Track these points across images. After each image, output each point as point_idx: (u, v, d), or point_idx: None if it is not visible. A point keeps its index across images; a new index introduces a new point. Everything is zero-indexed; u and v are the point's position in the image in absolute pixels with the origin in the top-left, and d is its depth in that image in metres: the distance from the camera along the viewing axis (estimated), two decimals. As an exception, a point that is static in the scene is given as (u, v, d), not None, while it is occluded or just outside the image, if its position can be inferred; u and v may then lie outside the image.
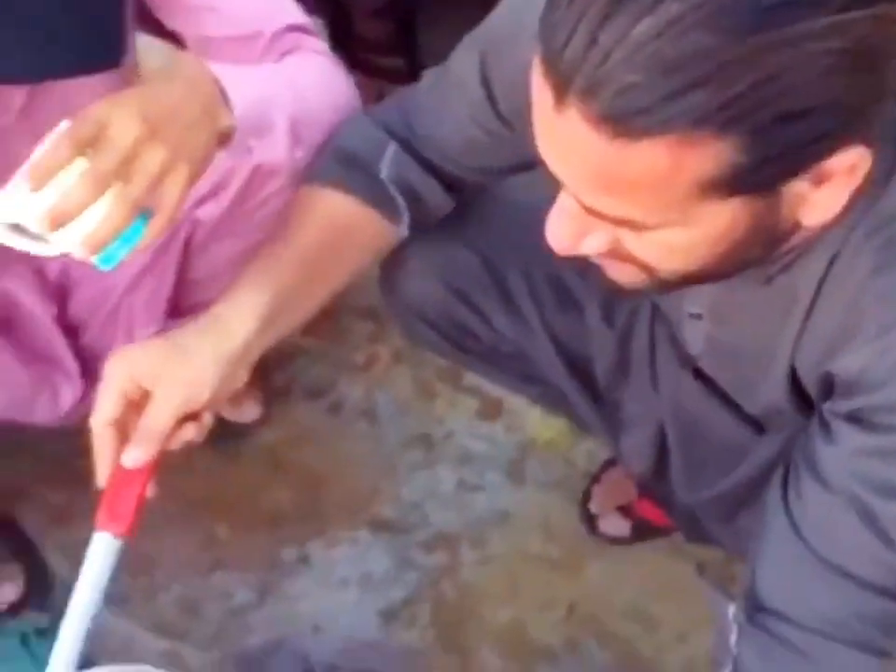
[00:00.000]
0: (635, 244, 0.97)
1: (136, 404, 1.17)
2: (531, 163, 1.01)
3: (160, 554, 1.77)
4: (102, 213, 1.05)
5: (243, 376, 1.24)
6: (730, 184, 0.87)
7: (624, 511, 1.85)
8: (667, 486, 1.52)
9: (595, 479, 1.89)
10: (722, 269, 1.00)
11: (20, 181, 1.07)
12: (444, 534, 1.84)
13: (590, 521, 1.86)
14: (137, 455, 1.17)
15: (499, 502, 1.88)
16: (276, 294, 1.24)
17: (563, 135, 0.89)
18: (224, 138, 1.20)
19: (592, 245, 1.00)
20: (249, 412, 1.90)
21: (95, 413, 1.18)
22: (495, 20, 1.25)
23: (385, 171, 1.32)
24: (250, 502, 1.84)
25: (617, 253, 1.00)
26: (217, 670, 1.69)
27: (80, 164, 1.06)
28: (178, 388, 1.17)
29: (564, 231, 0.99)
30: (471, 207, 1.45)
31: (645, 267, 1.01)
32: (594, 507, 1.86)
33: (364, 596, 1.77)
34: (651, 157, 0.85)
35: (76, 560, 1.71)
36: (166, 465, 1.82)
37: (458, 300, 1.50)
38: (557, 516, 1.87)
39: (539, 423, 1.93)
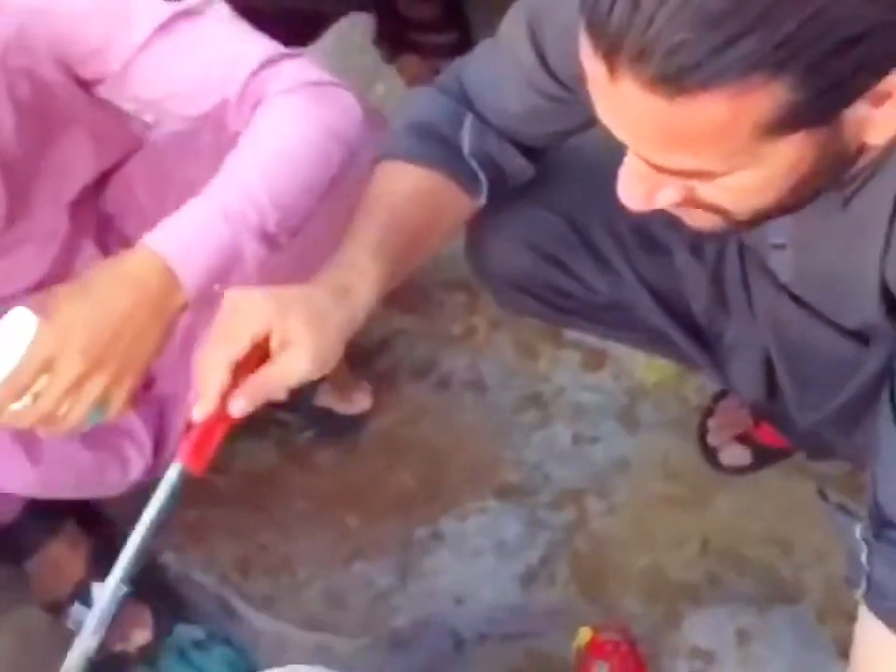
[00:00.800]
0: (707, 191, 0.99)
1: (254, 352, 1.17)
2: (595, 121, 1.03)
3: (298, 553, 1.82)
4: None
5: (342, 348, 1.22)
6: (791, 121, 0.89)
7: (742, 439, 1.86)
8: (782, 408, 1.53)
9: (709, 412, 1.90)
10: (796, 200, 1.02)
11: None
12: (569, 490, 1.87)
13: (710, 454, 1.87)
14: (245, 406, 1.15)
15: (617, 450, 1.90)
16: (388, 267, 1.24)
17: (621, 103, 0.90)
18: (179, 313, 1.30)
19: (665, 198, 1.01)
20: (360, 403, 1.93)
21: (218, 348, 1.16)
22: None
23: (466, 144, 1.33)
24: (376, 489, 1.88)
25: (691, 201, 1.02)
26: (369, 655, 1.73)
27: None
28: (309, 357, 1.15)
29: (636, 191, 1.01)
30: (545, 170, 1.46)
31: (720, 211, 1.03)
32: (711, 440, 1.88)
33: (501, 563, 1.80)
34: (712, 109, 0.87)
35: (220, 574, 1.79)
36: (292, 467, 1.90)
37: (548, 263, 1.52)
38: (677, 455, 1.88)
39: (644, 366, 1.95)
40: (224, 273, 1.31)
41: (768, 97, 0.86)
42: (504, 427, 1.93)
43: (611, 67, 0.88)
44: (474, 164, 1.34)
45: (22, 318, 1.26)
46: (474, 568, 1.80)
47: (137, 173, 1.56)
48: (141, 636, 1.75)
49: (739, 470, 1.85)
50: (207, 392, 1.16)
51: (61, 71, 1.38)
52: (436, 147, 1.33)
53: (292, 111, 1.36)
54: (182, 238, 1.29)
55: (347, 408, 1.92)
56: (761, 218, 1.05)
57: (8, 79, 1.35)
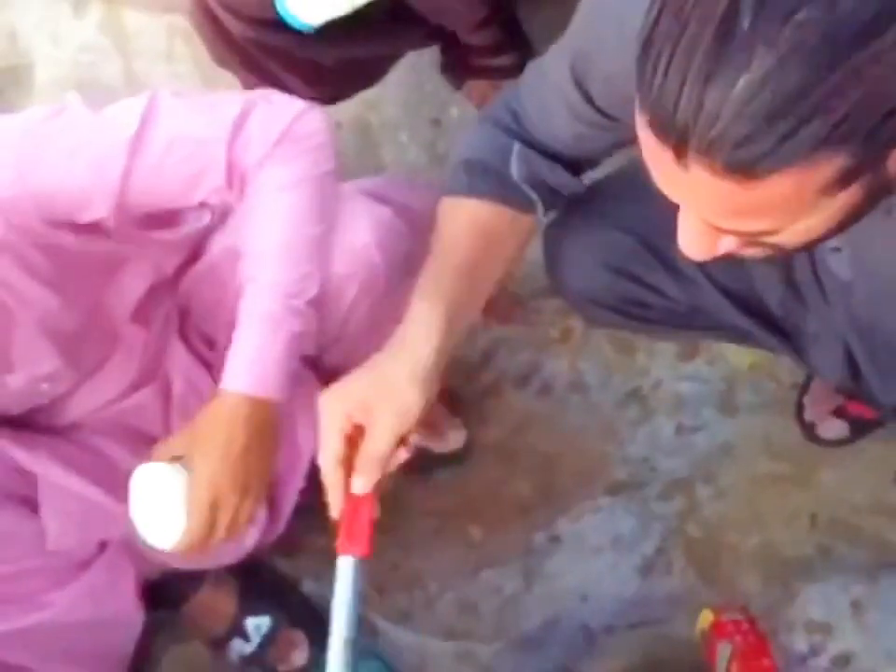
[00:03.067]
0: (765, 237, 1.07)
1: (353, 437, 1.31)
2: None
3: (428, 568, 1.93)
4: None
5: (436, 386, 1.35)
6: (849, 179, 0.96)
7: (838, 413, 1.92)
8: (867, 388, 1.59)
9: (804, 389, 1.96)
10: (843, 228, 1.09)
11: None
12: (676, 479, 1.95)
13: (809, 430, 1.94)
14: (364, 482, 1.31)
15: (720, 435, 1.98)
16: (448, 306, 1.36)
17: (688, 184, 0.97)
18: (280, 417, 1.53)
19: (726, 247, 1.09)
20: (455, 440, 2.03)
21: (322, 454, 1.32)
22: (575, 32, 1.34)
23: (515, 171, 1.41)
24: (494, 499, 1.98)
25: (749, 244, 1.09)
26: (506, 658, 1.84)
27: None
28: (389, 418, 1.30)
29: (698, 248, 1.08)
30: (612, 191, 1.55)
31: (776, 247, 1.10)
32: (809, 416, 1.94)
33: (619, 557, 1.90)
34: (779, 186, 0.94)
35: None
36: (412, 489, 2.00)
37: (625, 279, 1.60)
38: (777, 434, 1.95)
39: (737, 351, 2.01)
40: (296, 357, 1.53)
41: (830, 167, 0.93)
42: (608, 425, 2.02)
43: (679, 157, 0.95)
44: (525, 187, 1.42)
45: (164, 473, 1.51)
46: (594, 565, 1.90)
47: (201, 278, 1.72)
48: (299, 657, 1.90)
49: (839, 443, 1.92)
50: (331, 493, 1.33)
51: (61, 228, 1.49)
52: (488, 179, 1.42)
53: (277, 189, 1.50)
54: (249, 368, 1.50)
55: (443, 446, 2.02)
56: (812, 246, 1.12)
57: (24, 266, 1.47)
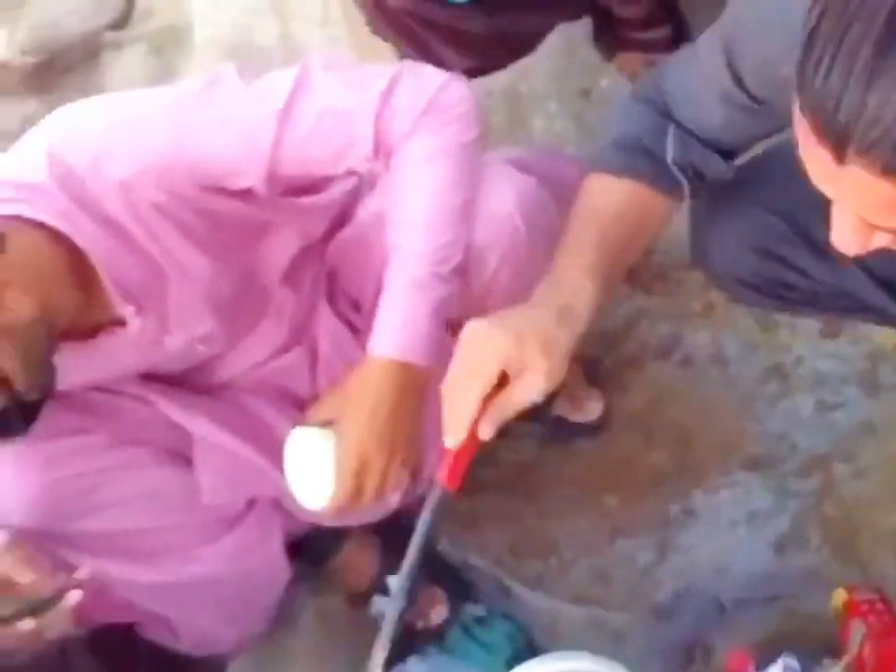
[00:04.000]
0: None
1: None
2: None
3: (563, 536, 1.97)
4: None
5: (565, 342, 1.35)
6: None
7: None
8: None
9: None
10: None
11: None
12: (815, 457, 1.95)
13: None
14: (492, 430, 1.32)
15: (861, 414, 1.97)
16: (605, 282, 1.37)
17: (847, 183, 0.99)
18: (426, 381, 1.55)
19: (879, 242, 1.09)
20: (592, 411, 2.05)
21: (468, 383, 1.30)
22: (734, 13, 1.35)
23: (670, 154, 1.42)
24: (630, 469, 2.01)
25: None
26: (638, 626, 1.86)
27: None
28: (541, 378, 1.29)
29: (851, 243, 1.08)
30: (757, 171, 1.55)
31: None
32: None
33: (753, 532, 1.91)
34: None
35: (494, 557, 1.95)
36: (552, 455, 2.03)
37: (771, 260, 1.60)
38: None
39: (882, 331, 1.99)
40: (442, 324, 1.57)
41: None
42: (748, 400, 2.03)
43: (839, 157, 0.96)
44: (676, 171, 1.43)
45: (314, 438, 1.58)
46: (728, 539, 1.91)
47: (348, 243, 1.76)
48: (438, 614, 1.94)
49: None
50: (460, 423, 1.32)
51: (215, 194, 1.55)
52: (640, 158, 1.43)
53: (422, 159, 1.54)
54: (397, 333, 1.55)
55: (581, 416, 2.05)
56: None
57: (181, 229, 1.54)
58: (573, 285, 1.36)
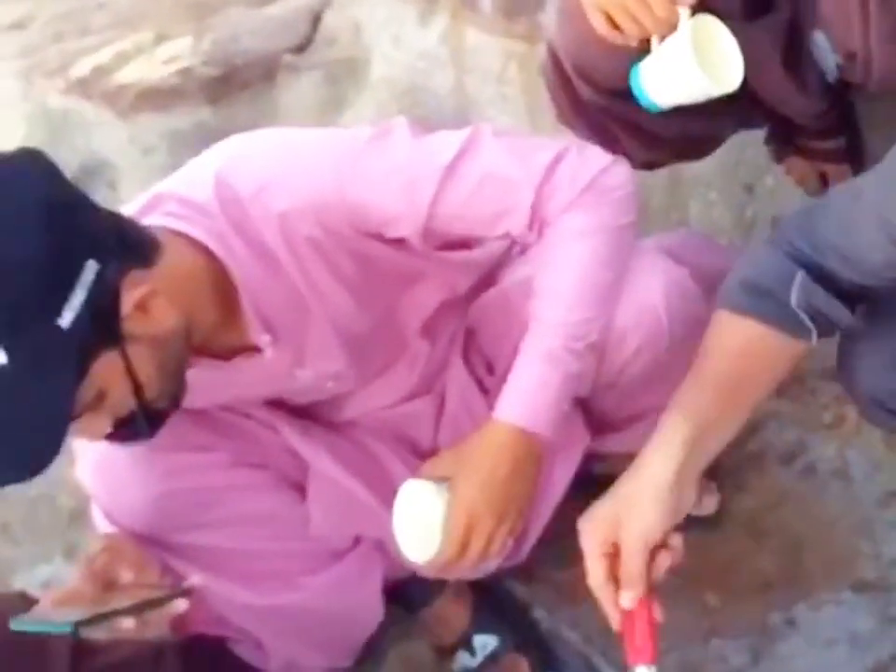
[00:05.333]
0: None
1: (615, 554, 1.39)
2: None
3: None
4: None
5: (691, 495, 1.42)
6: None
7: None
8: None
9: None
10: None
11: None
12: (927, 589, 1.91)
13: None
14: (630, 597, 1.39)
15: (978, 552, 1.93)
16: (697, 425, 1.40)
17: None
18: (544, 452, 1.61)
19: None
20: (706, 505, 2.03)
21: (590, 577, 1.41)
22: None
23: (794, 299, 1.43)
24: (736, 570, 1.98)
25: None
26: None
27: None
28: (636, 538, 1.38)
29: None
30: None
31: None
32: None
33: (853, 654, 1.87)
34: None
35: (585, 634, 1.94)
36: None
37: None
38: None
39: None
40: (569, 398, 1.60)
41: None
42: (866, 520, 1.99)
43: None
44: (801, 315, 1.44)
45: (427, 492, 1.59)
46: (826, 657, 1.87)
47: (491, 304, 1.78)
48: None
49: None
50: (607, 609, 1.43)
51: (369, 238, 1.58)
52: (766, 301, 1.44)
53: (576, 234, 1.57)
54: (525, 402, 1.57)
55: (694, 509, 2.00)
56: None
57: (330, 267, 1.57)
58: (670, 446, 1.40)
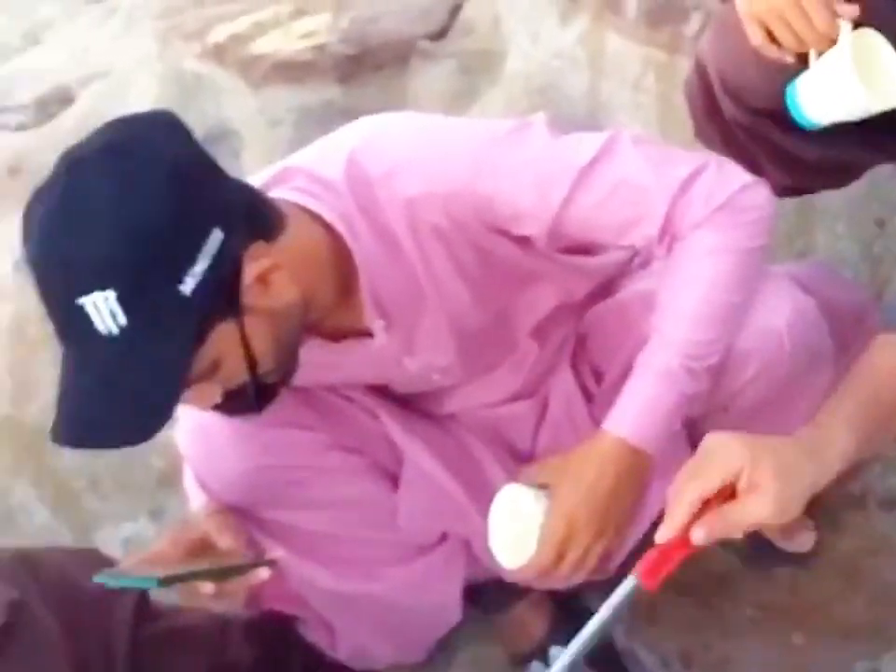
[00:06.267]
0: None
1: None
2: None
3: (739, 658, 1.91)
4: None
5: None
6: None
7: None
8: None
9: None
10: None
11: None
12: None
13: None
14: (704, 537, 1.26)
15: None
16: (865, 437, 1.33)
17: None
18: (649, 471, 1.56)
19: None
20: (802, 543, 1.98)
21: (692, 482, 1.27)
22: None
23: None
24: (825, 611, 1.93)
25: None
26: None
27: None
28: (772, 505, 1.24)
29: None
30: None
31: None
32: None
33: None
34: None
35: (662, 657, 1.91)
36: (746, 576, 1.98)
37: None
38: None
39: None
40: (681, 418, 1.56)
41: None
42: (966, 577, 1.94)
43: None
44: None
45: (527, 498, 1.55)
46: (907, 713, 1.83)
47: (607, 313, 1.74)
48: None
49: None
50: (674, 518, 1.28)
51: (494, 233, 1.56)
52: None
53: (706, 252, 1.52)
54: (636, 417, 1.53)
55: (788, 545, 1.98)
56: None
57: (452, 258, 1.55)
58: (829, 434, 1.31)
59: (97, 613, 1.64)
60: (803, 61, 1.63)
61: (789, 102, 1.66)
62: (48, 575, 1.62)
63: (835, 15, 1.59)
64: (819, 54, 1.62)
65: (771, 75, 1.66)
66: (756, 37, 1.62)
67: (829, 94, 1.62)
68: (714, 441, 1.30)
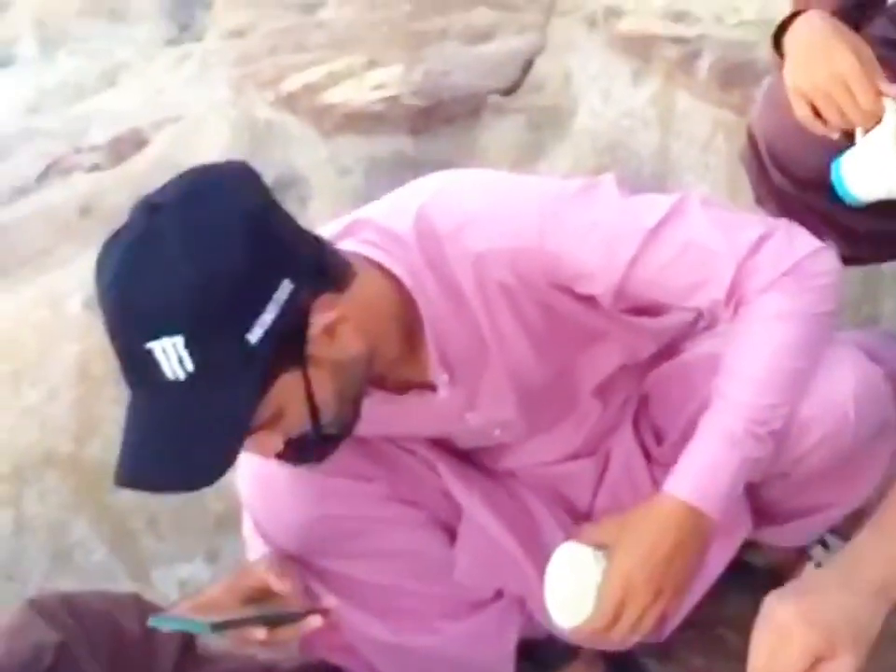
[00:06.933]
0: None
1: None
2: None
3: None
4: None
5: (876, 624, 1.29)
6: None
7: None
8: None
9: None
10: None
11: None
12: None
13: None
14: None
15: None
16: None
17: None
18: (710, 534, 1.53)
19: None
20: None
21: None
22: None
23: None
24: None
25: None
26: None
27: None
28: (850, 664, 1.23)
29: None
30: None
31: None
32: None
33: None
34: None
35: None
36: None
37: None
38: None
39: None
40: (743, 482, 1.54)
41: None
42: None
43: None
44: None
45: (585, 557, 1.54)
46: None
47: (670, 375, 1.74)
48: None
49: None
50: None
51: (560, 291, 1.56)
52: None
53: (773, 316, 1.51)
54: (698, 479, 1.51)
55: None
56: None
57: (517, 314, 1.55)
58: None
59: (140, 657, 1.64)
60: (848, 137, 1.64)
61: (833, 177, 1.66)
62: (91, 618, 1.63)
63: (880, 93, 1.60)
64: (865, 131, 1.63)
65: (817, 149, 1.68)
66: (802, 112, 1.64)
67: (872, 172, 1.63)
68: (786, 617, 1.26)
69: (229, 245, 1.32)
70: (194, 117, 2.95)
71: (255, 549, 1.69)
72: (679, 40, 2.52)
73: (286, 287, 1.34)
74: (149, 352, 1.31)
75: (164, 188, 1.40)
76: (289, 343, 1.36)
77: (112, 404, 2.25)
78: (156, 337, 1.31)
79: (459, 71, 2.85)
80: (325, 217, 2.48)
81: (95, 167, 2.92)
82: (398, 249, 1.51)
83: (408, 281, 1.50)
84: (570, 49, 2.80)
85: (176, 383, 1.32)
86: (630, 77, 2.58)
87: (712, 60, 2.44)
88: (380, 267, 1.50)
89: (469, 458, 1.78)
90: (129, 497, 2.25)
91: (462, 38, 2.97)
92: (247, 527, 1.71)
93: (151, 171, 2.75)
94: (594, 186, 1.56)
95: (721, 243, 1.52)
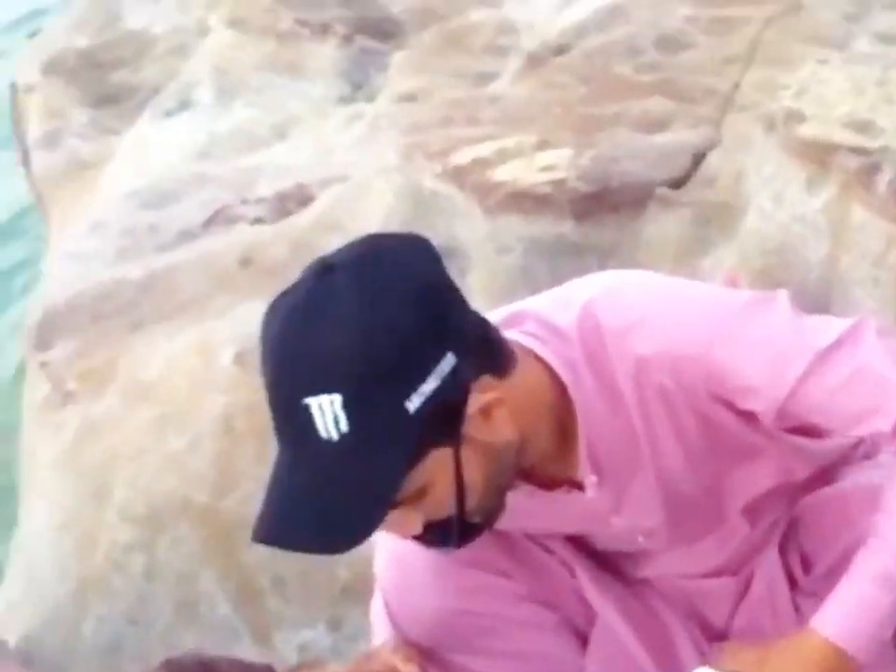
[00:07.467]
0: None
1: None
2: None
3: None
4: None
5: None
6: None
7: None
8: None
9: None
10: None
11: None
12: None
13: None
14: None
15: None
16: None
17: None
18: None
19: None
20: None
21: None
22: None
23: None
24: None
25: None
26: None
27: None
28: None
29: None
30: None
31: None
32: None
33: None
34: None
35: None
36: None
37: None
38: None
39: None
40: (890, 626, 1.48)
41: None
42: None
43: None
44: None
45: None
46: None
47: (825, 502, 1.69)
48: None
49: None
50: None
51: (720, 403, 1.52)
52: None
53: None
54: (847, 619, 1.46)
55: None
56: None
57: (673, 421, 1.52)
58: None
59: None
60: None
61: None
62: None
63: None
64: None
65: None
66: None
67: None
68: None
69: (401, 308, 1.32)
70: (360, 179, 2.96)
71: (380, 633, 1.67)
72: (859, 151, 2.46)
73: (449, 360, 1.33)
74: (306, 407, 1.31)
75: (340, 250, 1.40)
76: (445, 417, 1.34)
77: (253, 461, 2.26)
78: (314, 393, 1.30)
79: (629, 159, 2.81)
80: (482, 293, 2.48)
81: (259, 220, 2.96)
82: (559, 343, 1.49)
83: (566, 375, 1.48)
84: (745, 148, 2.75)
85: (329, 442, 1.31)
86: (805, 182, 2.52)
87: (893, 175, 2.38)
88: (539, 359, 1.48)
89: (606, 561, 1.74)
90: (258, 555, 2.26)
91: (634, 126, 2.93)
92: (376, 608, 1.69)
93: (313, 228, 2.76)
94: (767, 300, 1.53)
95: (893, 374, 1.48)
